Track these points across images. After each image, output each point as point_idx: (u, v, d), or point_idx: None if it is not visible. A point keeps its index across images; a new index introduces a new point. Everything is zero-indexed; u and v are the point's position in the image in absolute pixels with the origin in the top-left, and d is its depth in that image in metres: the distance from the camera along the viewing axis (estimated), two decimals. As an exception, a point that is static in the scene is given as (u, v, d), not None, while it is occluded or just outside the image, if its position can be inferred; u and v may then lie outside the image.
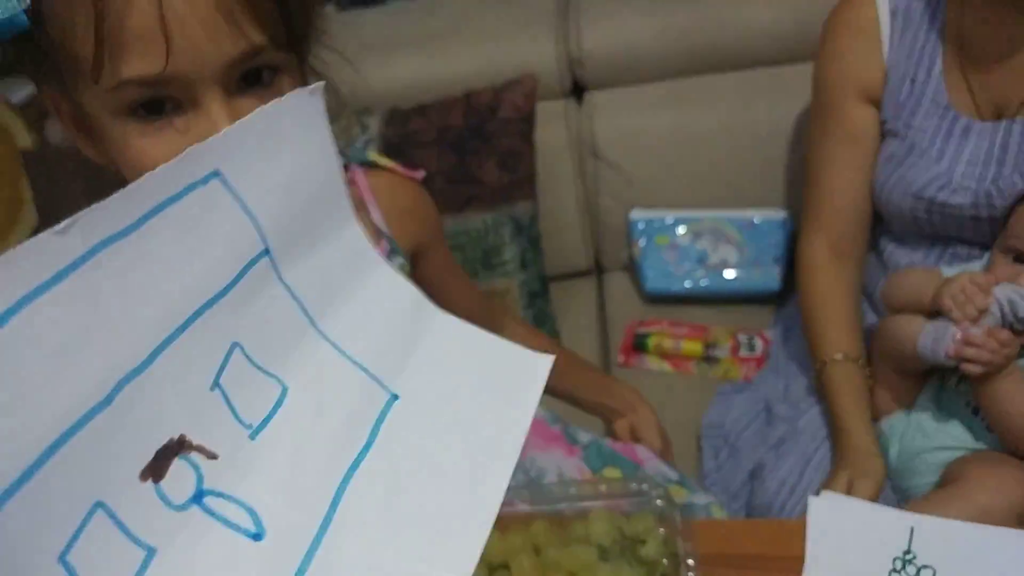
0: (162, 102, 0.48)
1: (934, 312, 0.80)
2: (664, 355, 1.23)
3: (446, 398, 0.37)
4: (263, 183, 0.32)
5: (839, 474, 0.80)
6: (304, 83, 0.48)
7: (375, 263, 0.39)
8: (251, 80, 0.50)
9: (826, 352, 0.91)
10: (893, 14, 0.90)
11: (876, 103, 0.93)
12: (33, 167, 0.50)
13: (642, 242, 1.30)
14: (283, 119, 0.34)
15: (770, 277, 1.25)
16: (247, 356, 0.31)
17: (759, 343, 1.21)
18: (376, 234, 0.72)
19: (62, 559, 0.24)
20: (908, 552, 0.60)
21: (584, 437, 0.88)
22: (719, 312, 1.28)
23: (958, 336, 0.74)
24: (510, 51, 1.32)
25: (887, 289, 0.90)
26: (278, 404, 0.32)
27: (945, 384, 0.84)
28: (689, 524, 0.52)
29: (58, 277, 0.24)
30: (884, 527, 0.60)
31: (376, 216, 0.72)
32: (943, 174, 0.86)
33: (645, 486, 0.53)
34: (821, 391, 0.93)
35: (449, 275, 0.84)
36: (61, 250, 0.24)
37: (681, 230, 1.29)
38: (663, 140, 1.30)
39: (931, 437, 0.82)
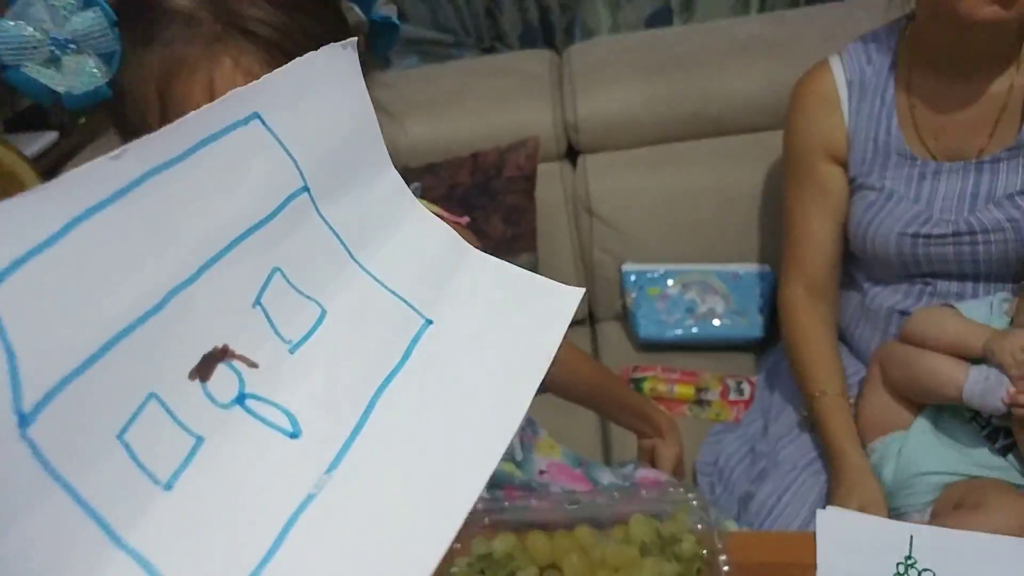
0: None
1: (977, 359, 0.87)
2: (659, 398, 1.30)
3: (477, 325, 0.38)
4: (301, 126, 0.35)
5: (845, 496, 0.88)
6: None
7: (412, 205, 0.41)
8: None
9: (814, 387, 1.00)
10: (849, 84, 1.01)
11: (842, 163, 1.04)
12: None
13: (634, 293, 1.39)
14: (319, 69, 0.36)
15: (754, 325, 1.34)
16: (287, 280, 0.34)
17: (747, 387, 1.29)
18: None
19: (120, 437, 0.27)
20: (909, 557, 0.67)
21: (605, 478, 0.94)
22: (707, 359, 1.36)
23: (1011, 390, 0.82)
24: (510, 117, 1.42)
25: (915, 325, 0.95)
26: (316, 324, 0.35)
27: (942, 410, 0.91)
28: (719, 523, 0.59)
29: (114, 197, 0.27)
30: (886, 535, 0.68)
31: None
32: (924, 211, 0.96)
33: (681, 490, 0.60)
34: (813, 421, 1.01)
35: None
36: (116, 173, 0.27)
37: (670, 282, 1.38)
38: (652, 199, 1.40)
39: (929, 459, 0.90)
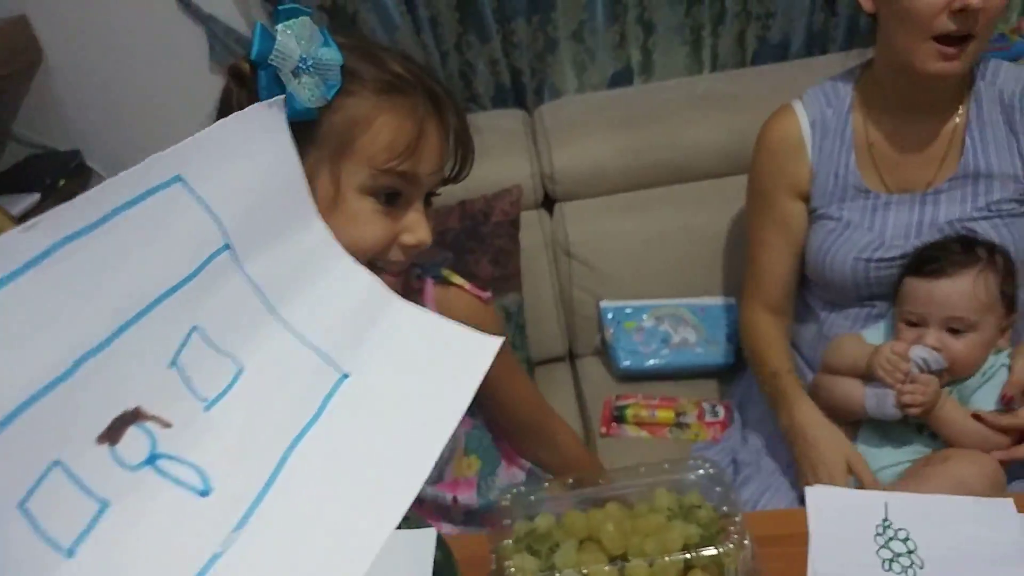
0: (396, 195, 0.70)
1: (869, 376, 1.01)
2: (641, 424, 1.40)
3: (394, 376, 0.40)
4: (225, 185, 0.35)
5: (811, 474, 0.99)
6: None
7: (337, 256, 0.43)
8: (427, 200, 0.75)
9: (776, 367, 1.12)
10: (812, 125, 1.13)
11: (804, 197, 1.17)
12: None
13: (612, 328, 1.49)
14: (246, 128, 0.37)
15: (724, 352, 1.46)
16: (206, 338, 0.34)
17: (721, 409, 1.40)
18: None
19: (21, 506, 0.26)
20: (886, 520, 0.76)
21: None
22: (683, 386, 1.47)
23: (896, 397, 0.96)
24: (491, 170, 1.52)
25: (826, 355, 1.11)
26: (233, 381, 0.35)
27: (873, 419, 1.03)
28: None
29: (24, 268, 0.27)
30: (864, 504, 0.77)
31: None
32: (876, 238, 1.09)
33: (699, 460, 0.69)
34: (773, 399, 1.12)
35: (506, 387, 0.95)
36: (28, 245, 0.27)
37: (645, 316, 1.49)
38: (626, 241, 1.52)
39: (879, 459, 1.01)
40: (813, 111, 1.14)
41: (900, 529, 0.75)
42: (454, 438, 0.99)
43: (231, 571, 0.30)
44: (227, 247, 0.35)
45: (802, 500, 1.04)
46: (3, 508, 0.26)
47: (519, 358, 1.42)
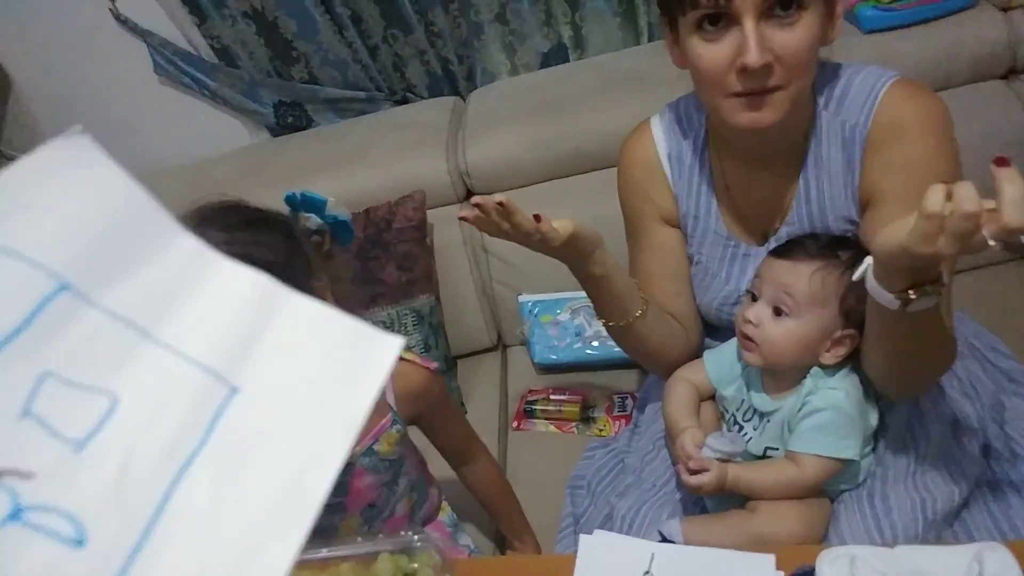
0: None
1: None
2: (549, 418, 1.43)
3: (289, 383, 0.36)
4: (42, 229, 0.33)
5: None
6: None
7: (217, 264, 0.39)
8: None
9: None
10: (668, 157, 1.04)
11: (676, 225, 1.08)
12: None
13: (530, 322, 1.51)
14: (51, 167, 0.35)
15: (637, 345, 1.45)
16: (64, 380, 0.33)
17: (630, 402, 1.41)
18: (386, 408, 0.99)
19: None
20: (648, 572, 0.78)
21: (463, 540, 1.16)
22: (599, 376, 1.48)
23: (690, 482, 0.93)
24: (407, 169, 1.55)
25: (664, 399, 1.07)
26: (108, 415, 0.33)
27: None
28: (454, 562, 0.72)
29: None
30: (632, 554, 0.79)
31: (389, 395, 1.00)
32: (732, 293, 1.04)
33: (421, 536, 0.73)
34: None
35: (440, 429, 1.11)
36: None
37: (561, 309, 1.50)
38: (540, 233, 1.51)
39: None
40: (670, 141, 1.05)
41: (658, 582, 0.76)
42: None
43: None
44: (64, 288, 0.34)
45: (687, 511, 1.06)
46: None
47: (435, 356, 1.47)
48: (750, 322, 0.94)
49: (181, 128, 1.86)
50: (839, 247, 0.94)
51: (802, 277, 0.91)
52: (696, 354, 1.11)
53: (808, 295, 0.91)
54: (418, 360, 1.05)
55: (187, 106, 1.83)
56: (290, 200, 0.92)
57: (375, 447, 0.98)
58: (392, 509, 1.07)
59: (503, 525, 1.23)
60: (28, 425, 0.32)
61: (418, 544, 0.74)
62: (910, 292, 0.75)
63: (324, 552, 0.75)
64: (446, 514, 1.20)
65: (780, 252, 0.95)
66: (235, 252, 0.74)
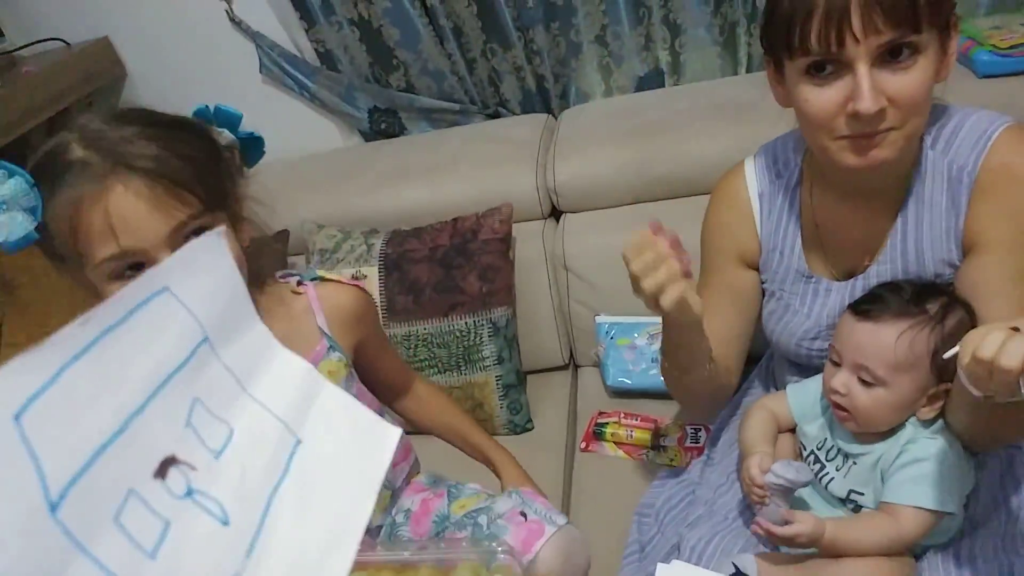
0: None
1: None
2: (619, 443, 1.41)
3: (331, 447, 0.51)
4: (198, 293, 0.45)
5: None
6: (236, 228, 0.80)
7: (276, 348, 0.54)
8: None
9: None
10: (760, 196, 1.05)
11: (755, 267, 1.08)
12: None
13: (605, 343, 1.50)
14: (203, 251, 0.47)
15: (714, 376, 1.42)
16: (205, 407, 0.45)
17: (703, 434, 1.38)
18: (318, 334, 0.98)
19: (115, 520, 0.36)
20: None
21: (467, 491, 1.15)
22: (672, 406, 1.45)
23: (763, 527, 0.90)
24: (497, 181, 1.57)
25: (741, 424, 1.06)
26: (229, 438, 0.45)
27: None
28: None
29: (84, 350, 0.37)
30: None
31: (320, 320, 0.98)
32: (813, 327, 1.02)
33: (494, 544, 0.72)
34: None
35: (380, 356, 1.13)
36: (83, 334, 0.37)
37: (637, 333, 1.49)
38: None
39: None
40: (762, 180, 1.05)
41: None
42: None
43: None
44: (206, 339, 0.46)
45: (757, 548, 1.03)
46: (105, 522, 0.36)
47: (507, 369, 1.47)
48: (838, 391, 0.92)
49: (279, 127, 1.91)
50: (926, 298, 0.90)
51: (886, 346, 0.87)
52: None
53: (894, 364, 0.87)
54: (343, 279, 1.03)
55: (287, 106, 1.89)
56: (203, 113, 0.89)
57: None
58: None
59: (472, 451, 1.25)
60: (189, 432, 0.43)
61: (501, 555, 0.74)
62: None
63: (406, 555, 0.75)
64: (424, 475, 1.22)
65: (860, 311, 0.92)
66: (159, 144, 0.77)
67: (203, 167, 0.78)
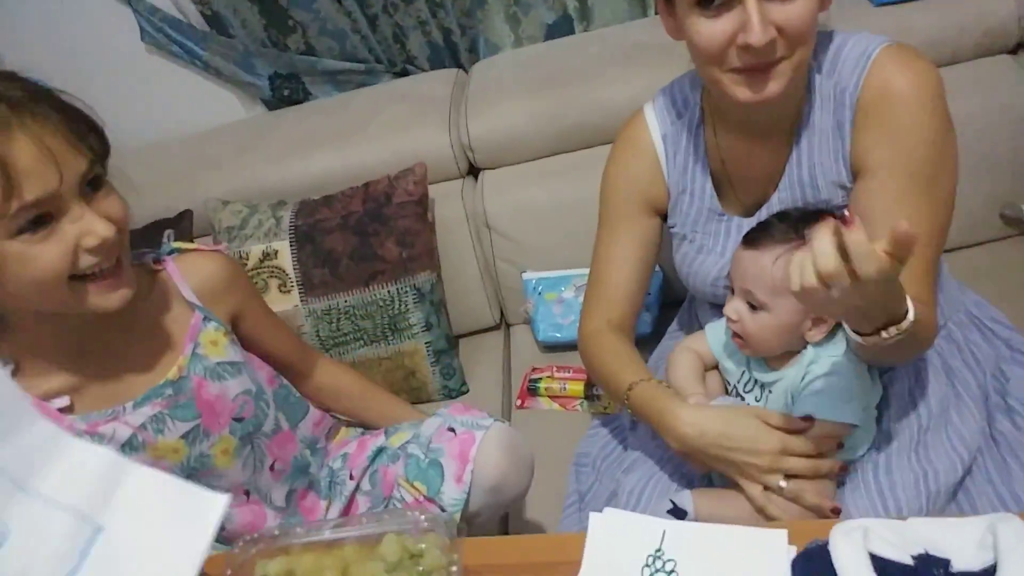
0: (44, 217, 0.72)
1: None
2: (553, 396, 1.40)
3: (140, 530, 0.51)
4: None
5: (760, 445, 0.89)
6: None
7: (69, 441, 0.54)
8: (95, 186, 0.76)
9: (628, 380, 1.01)
10: (664, 139, 1.04)
11: (662, 214, 1.08)
12: None
13: (534, 299, 1.48)
14: None
15: (643, 322, 1.42)
16: None
17: (636, 381, 1.38)
18: (188, 308, 0.93)
19: None
20: (659, 550, 0.76)
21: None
22: (604, 356, 1.45)
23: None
24: (409, 141, 1.51)
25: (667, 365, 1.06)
26: (5, 537, 0.47)
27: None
28: (460, 541, 0.69)
29: None
30: (643, 532, 0.77)
31: (187, 293, 0.93)
32: (726, 267, 1.02)
33: (429, 516, 0.70)
34: (643, 415, 1.00)
35: (266, 328, 1.05)
36: None
37: (566, 287, 1.47)
38: (544, 209, 1.48)
39: None
40: (664, 122, 1.05)
41: (669, 560, 0.74)
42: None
43: None
44: None
45: (693, 485, 1.04)
46: None
47: (436, 335, 1.44)
48: (731, 318, 0.95)
49: (172, 101, 1.80)
50: (808, 223, 0.90)
51: (764, 269, 0.90)
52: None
53: (771, 287, 0.90)
54: (202, 247, 0.99)
55: (179, 77, 1.78)
56: None
57: (199, 351, 0.92)
58: (276, 423, 1.02)
59: (386, 421, 1.16)
60: None
61: (425, 524, 0.72)
62: (882, 333, 0.75)
63: (327, 534, 0.72)
64: (349, 433, 1.17)
65: (747, 240, 0.95)
66: (48, 95, 0.75)
67: (89, 120, 0.78)
